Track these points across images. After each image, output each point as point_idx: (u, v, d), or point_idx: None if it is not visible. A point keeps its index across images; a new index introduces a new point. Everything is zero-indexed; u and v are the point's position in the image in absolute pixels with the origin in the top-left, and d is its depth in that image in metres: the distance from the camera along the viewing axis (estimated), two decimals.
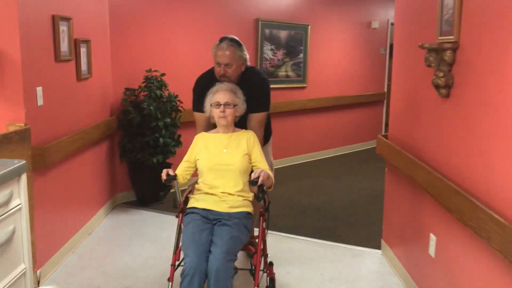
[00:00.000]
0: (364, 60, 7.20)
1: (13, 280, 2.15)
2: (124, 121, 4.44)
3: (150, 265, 3.37)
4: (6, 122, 2.81)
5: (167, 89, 4.58)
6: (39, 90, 3.05)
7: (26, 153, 2.72)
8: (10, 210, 2.13)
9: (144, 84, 4.49)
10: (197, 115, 3.00)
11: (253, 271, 2.53)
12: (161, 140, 4.39)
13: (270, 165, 3.06)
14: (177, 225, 2.60)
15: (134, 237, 3.87)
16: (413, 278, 2.94)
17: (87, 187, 3.94)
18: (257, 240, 2.63)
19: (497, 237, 1.79)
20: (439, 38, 2.43)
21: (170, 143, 4.50)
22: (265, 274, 2.85)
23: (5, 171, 2.07)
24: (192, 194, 2.73)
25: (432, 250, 2.63)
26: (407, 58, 3.11)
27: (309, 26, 6.24)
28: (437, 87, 2.42)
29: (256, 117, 2.93)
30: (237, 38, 2.94)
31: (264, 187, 2.52)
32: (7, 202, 2.11)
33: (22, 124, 2.81)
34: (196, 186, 2.73)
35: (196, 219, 2.49)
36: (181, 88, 4.58)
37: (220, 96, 2.68)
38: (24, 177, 2.25)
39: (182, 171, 2.71)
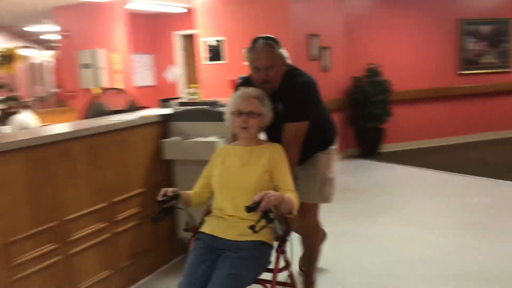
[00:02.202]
0: None
1: None
2: (351, 99, 6.66)
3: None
4: None
5: (382, 76, 6.62)
6: None
7: None
8: None
9: (366, 73, 6.63)
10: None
11: None
12: (375, 111, 6.46)
13: (324, 180, 2.67)
14: (189, 252, 2.20)
15: (360, 178, 6.05)
16: None
17: None
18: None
19: None
20: None
21: (381, 113, 6.53)
22: None
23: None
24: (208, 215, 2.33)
25: None
26: None
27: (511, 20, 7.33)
28: None
29: (291, 128, 2.41)
30: (271, 36, 2.48)
31: (273, 213, 2.01)
32: None
33: None
34: (211, 207, 2.34)
35: (199, 247, 2.14)
36: (394, 74, 6.59)
37: (242, 103, 2.25)
38: None
39: (198, 188, 2.33)
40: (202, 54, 5.95)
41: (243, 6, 5.66)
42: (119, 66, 7.22)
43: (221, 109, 3.23)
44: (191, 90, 4.79)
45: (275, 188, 2.18)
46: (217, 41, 5.78)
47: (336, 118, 6.59)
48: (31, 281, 2.49)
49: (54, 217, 2.61)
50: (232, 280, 1.95)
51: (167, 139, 3.32)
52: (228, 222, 2.18)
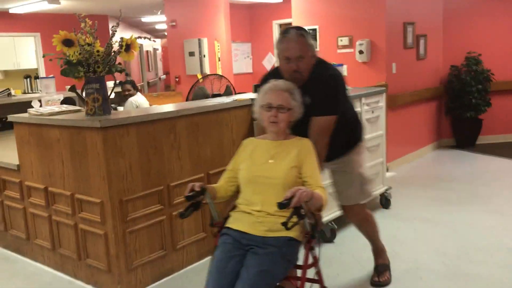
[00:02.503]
0: None
1: (375, 164, 4.62)
2: (449, 88, 6.50)
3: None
4: (376, 81, 5.42)
5: (482, 65, 6.38)
6: (394, 65, 5.54)
7: (386, 98, 5.25)
8: (378, 115, 4.64)
9: (465, 62, 6.43)
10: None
11: None
12: (473, 101, 6.25)
13: (362, 181, 2.75)
14: (214, 247, 2.16)
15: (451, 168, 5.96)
16: None
17: (420, 127, 6.25)
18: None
19: None
20: None
21: (480, 104, 6.30)
22: None
23: (379, 89, 4.48)
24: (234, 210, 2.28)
25: None
26: None
27: None
28: None
29: (318, 122, 2.38)
30: (302, 27, 2.51)
31: (304, 209, 1.97)
32: (376, 107, 4.62)
33: (383, 82, 5.36)
34: (237, 201, 2.28)
35: (227, 243, 2.09)
36: (494, 64, 6.32)
37: (272, 96, 2.22)
38: (384, 96, 4.66)
39: (224, 182, 2.30)
40: None
41: None
42: (220, 54, 7.73)
43: None
44: None
45: (303, 184, 2.16)
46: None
47: (432, 107, 6.54)
48: (140, 235, 2.98)
49: (161, 183, 3.07)
50: (263, 277, 1.92)
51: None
52: (255, 217, 2.13)
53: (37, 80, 9.48)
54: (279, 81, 2.30)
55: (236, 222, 2.17)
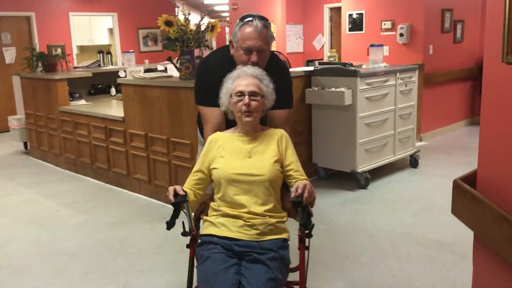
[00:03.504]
0: None
1: (407, 129, 5.36)
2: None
3: None
4: (414, 61, 6.14)
5: None
6: (431, 47, 6.24)
7: (421, 75, 5.98)
8: (411, 88, 5.41)
9: None
10: (207, 110, 2.29)
11: None
12: None
13: None
14: (189, 259, 1.97)
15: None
16: None
17: (454, 103, 6.92)
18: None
19: None
20: None
21: None
22: None
23: (412, 67, 5.27)
24: (206, 214, 2.08)
25: None
26: None
27: None
28: None
29: (281, 115, 2.30)
30: (263, 16, 2.29)
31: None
32: (409, 82, 5.38)
33: (421, 62, 6.08)
34: (212, 204, 2.06)
35: (217, 253, 1.86)
36: None
37: (243, 83, 2.03)
38: (417, 72, 5.41)
39: (192, 185, 2.06)
40: (345, 24, 6.97)
41: None
42: (276, 34, 8.59)
43: (350, 68, 4.35)
44: (330, 54, 5.90)
45: (287, 178, 2.05)
46: (358, 13, 6.75)
47: (466, 86, 7.17)
48: (152, 164, 4.03)
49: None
50: (272, 285, 1.75)
51: (309, 89, 4.53)
52: (245, 221, 1.93)
53: (121, 54, 10.67)
54: (248, 67, 2.11)
55: (220, 227, 1.95)
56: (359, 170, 4.41)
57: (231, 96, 2.06)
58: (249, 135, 2.10)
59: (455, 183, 1.64)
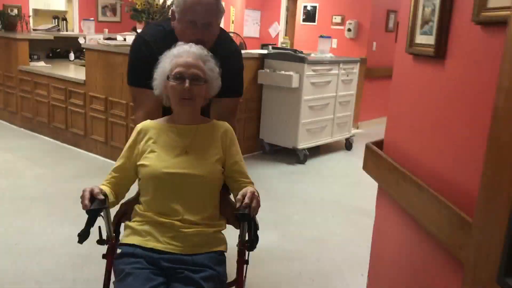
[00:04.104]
0: None
1: (345, 115, 5.95)
2: None
3: None
4: (358, 55, 6.70)
5: None
6: (375, 44, 6.84)
7: (363, 68, 6.56)
8: (351, 79, 5.97)
9: None
10: (140, 92, 1.99)
11: None
12: None
13: None
14: (105, 272, 1.66)
15: None
16: None
17: None
18: None
19: None
20: None
21: None
22: None
23: (354, 59, 5.83)
24: (128, 219, 1.75)
25: None
26: None
27: None
28: None
29: (228, 104, 2.05)
30: None
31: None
32: (350, 72, 5.95)
33: (364, 56, 6.67)
34: (137, 207, 1.71)
35: (140, 268, 1.52)
36: None
37: (184, 64, 1.67)
38: (358, 65, 6.00)
39: (114, 184, 1.70)
40: (300, 15, 7.45)
41: None
42: (234, 18, 8.96)
43: (299, 54, 4.83)
44: (283, 40, 6.37)
45: (228, 180, 1.75)
46: (312, 6, 7.24)
47: None
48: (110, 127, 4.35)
49: None
50: None
51: (262, 70, 4.97)
52: (176, 230, 1.61)
53: (79, 21, 10.59)
54: (190, 44, 1.76)
55: (145, 236, 1.62)
56: (300, 147, 4.92)
57: (168, 78, 1.68)
58: (187, 127, 1.73)
59: (367, 146, 2.15)
